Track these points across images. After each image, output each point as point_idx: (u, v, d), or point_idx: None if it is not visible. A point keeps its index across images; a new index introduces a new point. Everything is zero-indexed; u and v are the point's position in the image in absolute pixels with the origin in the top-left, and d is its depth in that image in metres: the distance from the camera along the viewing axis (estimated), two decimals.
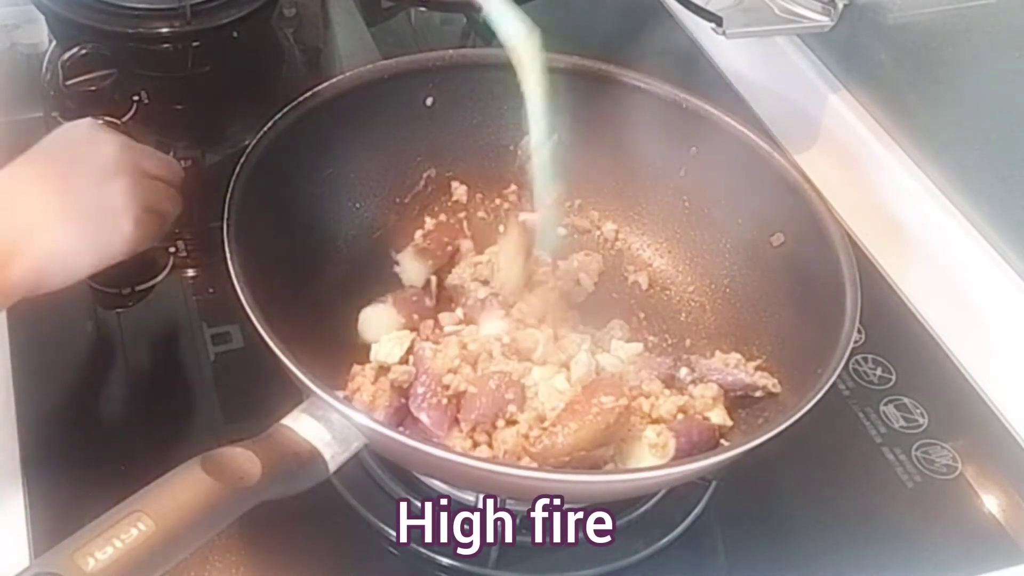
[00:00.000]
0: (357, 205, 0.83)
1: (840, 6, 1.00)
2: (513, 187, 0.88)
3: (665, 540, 0.73)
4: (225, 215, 0.69)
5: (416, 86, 0.84)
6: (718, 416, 0.73)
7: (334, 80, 0.81)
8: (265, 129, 0.76)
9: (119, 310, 0.84)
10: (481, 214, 0.88)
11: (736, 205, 0.82)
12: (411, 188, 0.86)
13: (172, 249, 0.88)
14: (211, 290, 0.86)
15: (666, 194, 0.85)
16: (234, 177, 0.72)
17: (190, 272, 0.87)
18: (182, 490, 0.55)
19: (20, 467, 0.71)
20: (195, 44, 1.03)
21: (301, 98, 0.79)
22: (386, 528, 0.72)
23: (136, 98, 0.99)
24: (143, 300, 0.85)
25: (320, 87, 0.80)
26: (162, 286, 0.86)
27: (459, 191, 0.87)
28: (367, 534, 0.72)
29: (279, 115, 0.77)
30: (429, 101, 0.85)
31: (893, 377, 0.85)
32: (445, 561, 0.71)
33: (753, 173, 0.80)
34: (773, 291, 0.78)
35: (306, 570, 0.69)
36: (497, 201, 0.88)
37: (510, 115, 0.86)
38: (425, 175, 0.86)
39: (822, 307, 0.73)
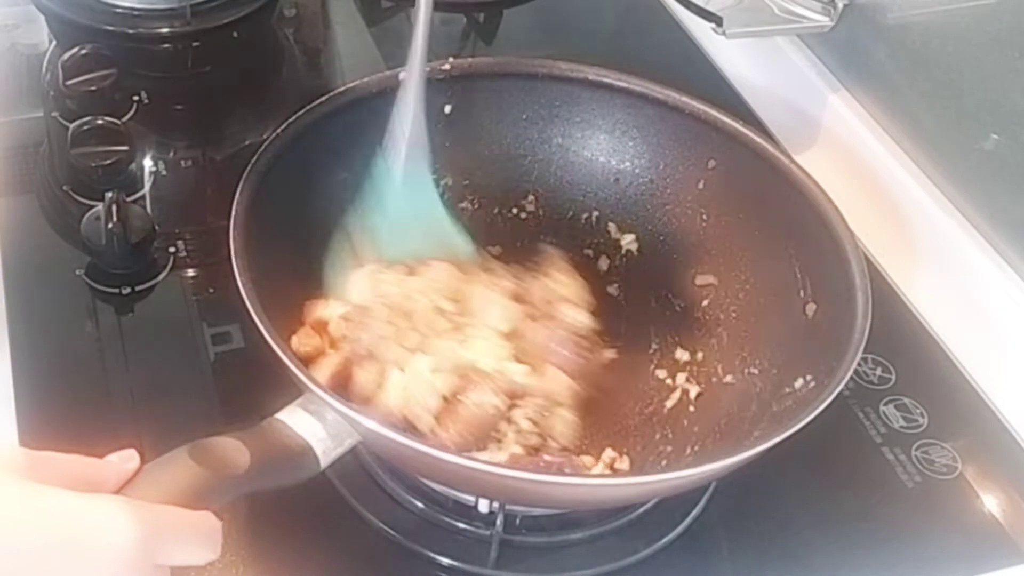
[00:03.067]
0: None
1: (840, 6, 1.00)
2: (531, 197, 0.88)
3: (665, 540, 0.73)
4: (233, 211, 0.69)
5: (435, 93, 0.83)
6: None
7: (353, 84, 0.81)
8: (280, 130, 0.76)
9: (119, 310, 0.84)
10: (499, 224, 0.88)
11: (754, 218, 0.82)
12: None
13: (172, 249, 0.88)
14: (211, 290, 0.86)
15: (684, 207, 0.85)
16: (244, 175, 0.72)
17: (190, 272, 0.87)
18: (168, 475, 0.55)
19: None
20: (195, 44, 1.03)
21: (317, 101, 0.78)
22: (386, 528, 0.72)
23: (136, 98, 0.99)
24: (143, 300, 0.85)
25: (338, 90, 0.80)
26: (162, 286, 0.86)
27: (475, 200, 0.87)
28: (367, 534, 0.72)
29: (294, 116, 0.77)
30: (448, 109, 0.84)
31: (893, 377, 0.85)
32: (445, 561, 0.71)
33: (771, 185, 0.80)
34: (786, 301, 0.78)
35: (306, 570, 0.69)
36: (515, 211, 0.88)
37: (529, 124, 0.86)
38: (442, 183, 0.86)
39: (832, 318, 0.73)
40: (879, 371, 0.85)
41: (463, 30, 1.19)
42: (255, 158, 0.73)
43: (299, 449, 0.61)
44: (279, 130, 0.75)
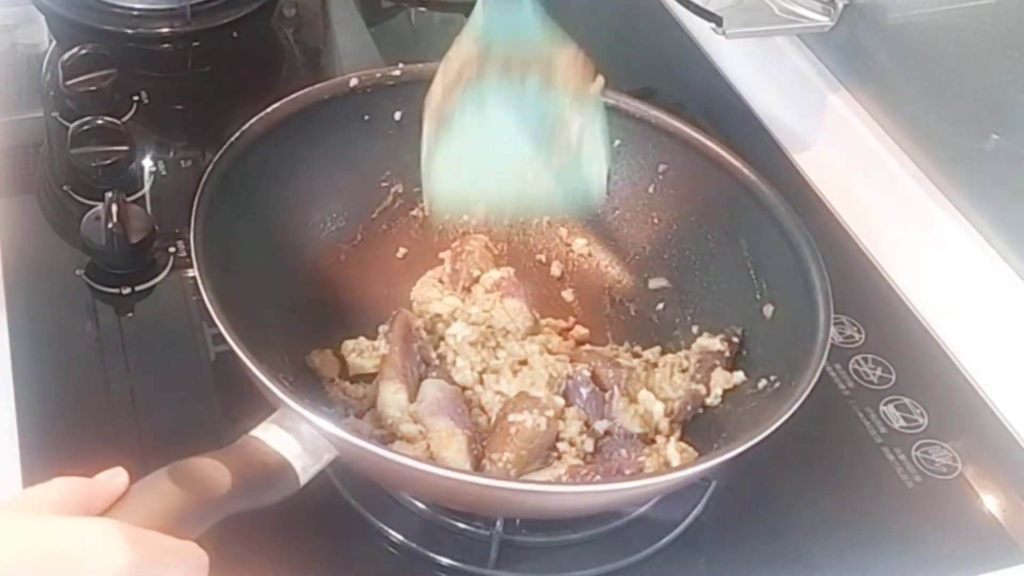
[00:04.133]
0: (326, 218, 0.83)
1: (840, 6, 1.00)
2: (482, 203, 0.87)
3: (665, 540, 0.73)
4: (192, 225, 0.69)
5: (386, 99, 0.84)
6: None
7: (303, 91, 0.81)
8: (233, 139, 0.76)
9: (119, 310, 0.84)
10: (450, 231, 0.87)
11: (706, 221, 0.82)
12: (379, 203, 0.86)
13: (172, 249, 0.88)
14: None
15: (635, 211, 0.85)
16: (200, 186, 0.72)
17: (190, 272, 0.87)
18: (150, 500, 0.54)
19: (20, 467, 0.71)
20: (195, 44, 1.03)
21: (270, 108, 0.78)
22: (386, 528, 0.72)
23: (136, 98, 0.99)
24: (143, 300, 0.85)
25: (289, 98, 0.80)
26: (162, 286, 0.86)
27: (423, 208, 0.86)
28: (367, 534, 0.72)
29: (247, 124, 0.77)
30: (398, 115, 0.84)
31: (893, 377, 0.85)
32: (445, 561, 0.71)
33: (722, 188, 0.81)
34: (743, 302, 0.79)
35: (305, 570, 0.69)
36: (465, 217, 0.88)
37: None
38: (393, 190, 0.86)
39: (791, 318, 0.73)
40: (879, 371, 0.85)
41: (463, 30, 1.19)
42: (209, 169, 0.73)
43: (278, 467, 0.60)
44: (230, 141, 0.76)
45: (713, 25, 0.99)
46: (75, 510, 0.51)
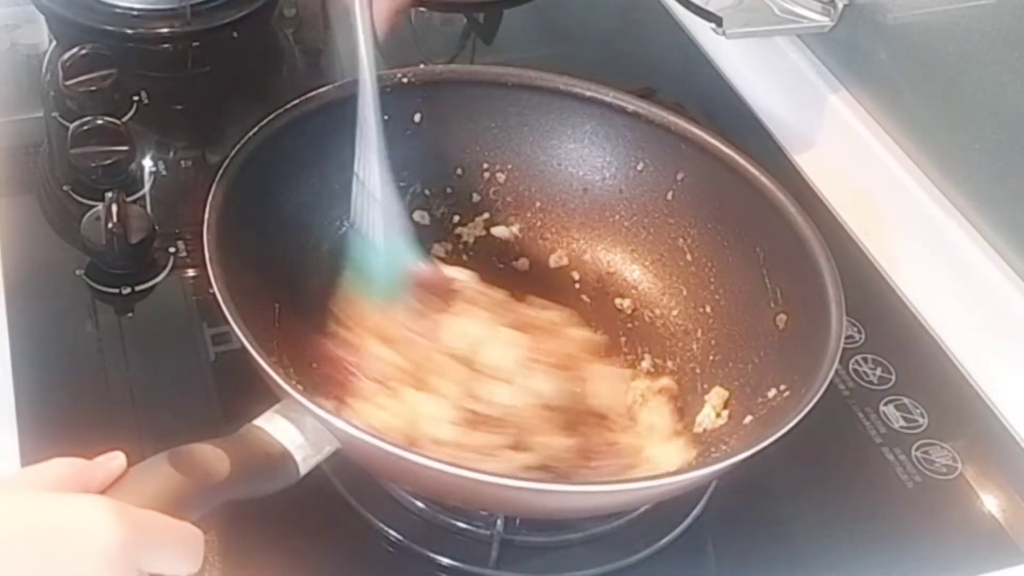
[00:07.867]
0: (341, 216, 0.83)
1: (840, 6, 1.00)
2: (499, 204, 0.87)
3: (665, 540, 0.73)
4: (206, 218, 0.69)
5: (405, 100, 0.83)
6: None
7: (322, 90, 0.81)
8: (250, 135, 0.76)
9: (119, 310, 0.84)
10: (466, 237, 0.87)
11: (722, 228, 0.82)
12: None
13: (172, 249, 0.88)
14: (211, 290, 0.86)
15: (653, 218, 0.85)
16: (216, 180, 0.72)
17: (190, 272, 0.87)
18: (147, 482, 0.54)
19: (20, 467, 0.71)
20: (195, 44, 1.03)
21: (287, 106, 0.78)
22: (386, 528, 0.72)
23: (136, 98, 0.99)
24: (143, 300, 0.85)
25: (307, 95, 0.80)
26: (162, 286, 0.86)
27: (440, 210, 0.87)
28: (367, 534, 0.72)
29: (263, 123, 0.77)
30: (417, 117, 0.84)
31: (893, 377, 0.85)
32: (445, 561, 0.71)
33: (740, 196, 0.80)
34: (757, 311, 0.78)
35: (304, 569, 0.69)
36: (477, 219, 0.88)
37: (498, 132, 0.86)
38: (410, 191, 0.86)
39: (804, 328, 0.73)
40: (879, 371, 0.85)
41: (463, 30, 1.19)
42: (225, 166, 0.73)
43: (279, 456, 0.60)
44: (244, 140, 0.75)
45: (713, 25, 0.99)
46: (72, 489, 0.52)
